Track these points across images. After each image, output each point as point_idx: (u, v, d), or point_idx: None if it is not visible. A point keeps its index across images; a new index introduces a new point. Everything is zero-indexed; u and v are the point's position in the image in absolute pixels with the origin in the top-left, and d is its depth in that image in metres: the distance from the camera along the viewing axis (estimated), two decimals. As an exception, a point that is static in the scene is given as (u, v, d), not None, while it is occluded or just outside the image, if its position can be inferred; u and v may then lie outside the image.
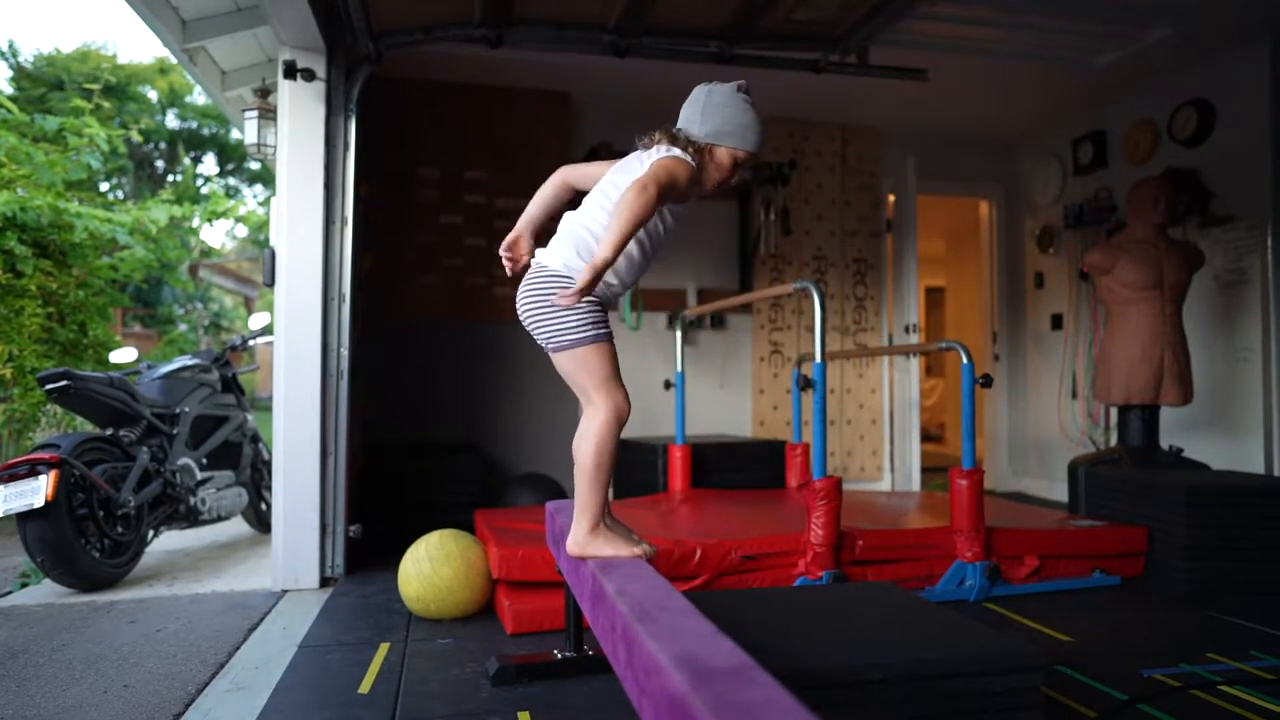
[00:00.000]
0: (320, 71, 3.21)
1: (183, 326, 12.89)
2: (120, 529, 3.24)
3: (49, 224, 4.57)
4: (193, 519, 3.64)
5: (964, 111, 5.06)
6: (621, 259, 1.73)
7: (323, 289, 3.21)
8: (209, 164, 16.43)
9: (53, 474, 2.92)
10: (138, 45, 25.72)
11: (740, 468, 4.08)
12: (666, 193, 1.69)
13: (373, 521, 3.50)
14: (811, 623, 1.83)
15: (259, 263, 15.29)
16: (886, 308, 5.42)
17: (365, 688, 2.13)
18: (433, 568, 2.66)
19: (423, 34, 3.35)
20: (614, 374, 1.77)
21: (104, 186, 12.96)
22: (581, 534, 1.77)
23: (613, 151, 4.53)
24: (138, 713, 2.01)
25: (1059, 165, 5.27)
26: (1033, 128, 5.44)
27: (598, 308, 1.78)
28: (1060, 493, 5.03)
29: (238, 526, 4.39)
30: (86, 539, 3.10)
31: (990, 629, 1.79)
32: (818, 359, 2.82)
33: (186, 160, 15.44)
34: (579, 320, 1.75)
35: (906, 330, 5.31)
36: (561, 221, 1.85)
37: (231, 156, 16.04)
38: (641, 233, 1.76)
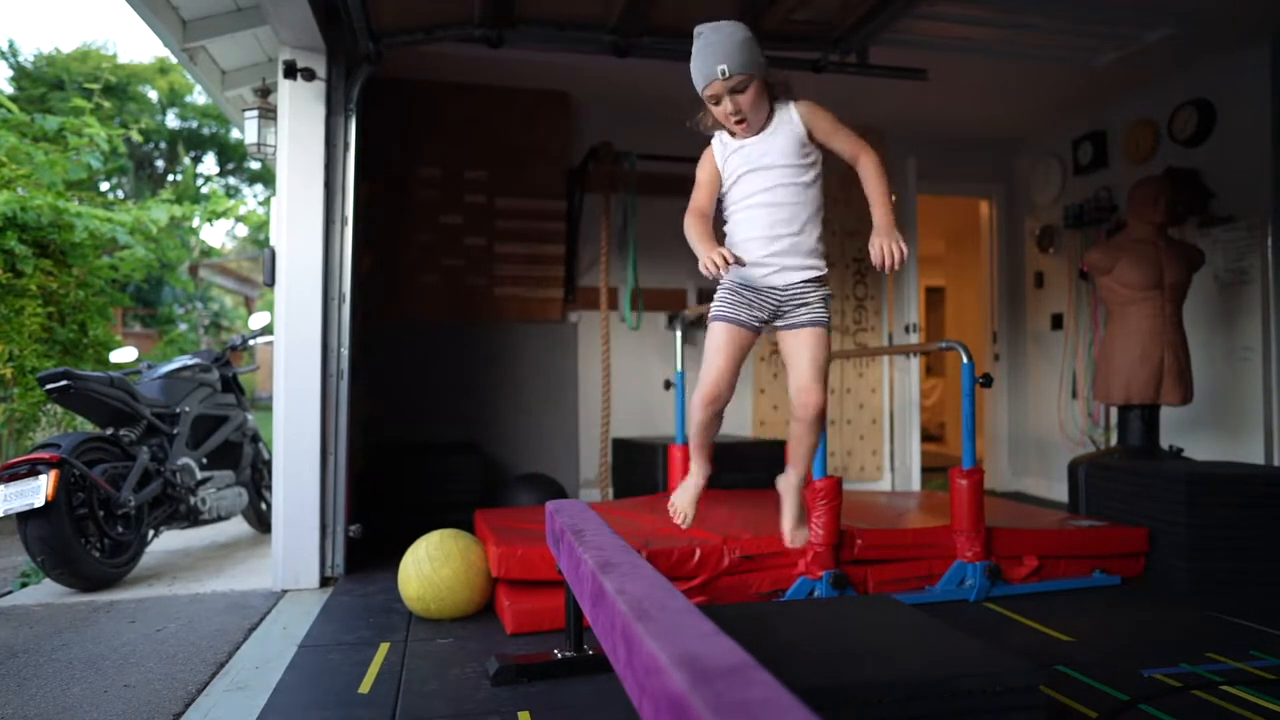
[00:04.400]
0: (320, 71, 3.21)
1: (183, 326, 12.88)
2: (120, 529, 3.24)
3: (49, 224, 4.57)
4: (193, 519, 3.64)
5: (964, 111, 5.06)
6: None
7: (323, 289, 3.21)
8: (209, 164, 16.44)
9: (53, 474, 2.92)
10: (138, 45, 25.75)
11: (740, 468, 4.07)
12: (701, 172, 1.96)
13: (373, 521, 3.50)
14: (810, 639, 1.83)
15: (259, 262, 15.29)
16: (886, 307, 5.42)
17: (365, 688, 2.13)
18: (433, 567, 2.66)
19: (423, 34, 3.35)
20: (710, 353, 1.95)
21: (104, 186, 12.96)
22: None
23: (613, 151, 4.55)
24: (138, 712, 2.01)
25: (1059, 165, 5.27)
26: (1033, 128, 5.44)
27: (724, 290, 1.97)
28: (1060, 493, 5.03)
29: (238, 526, 4.39)
30: (87, 539, 3.10)
31: (987, 646, 1.78)
32: (818, 359, 2.82)
33: (186, 160, 15.44)
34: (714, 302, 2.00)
35: (906, 330, 5.31)
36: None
37: (232, 156, 16.04)
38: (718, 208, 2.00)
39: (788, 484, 2.09)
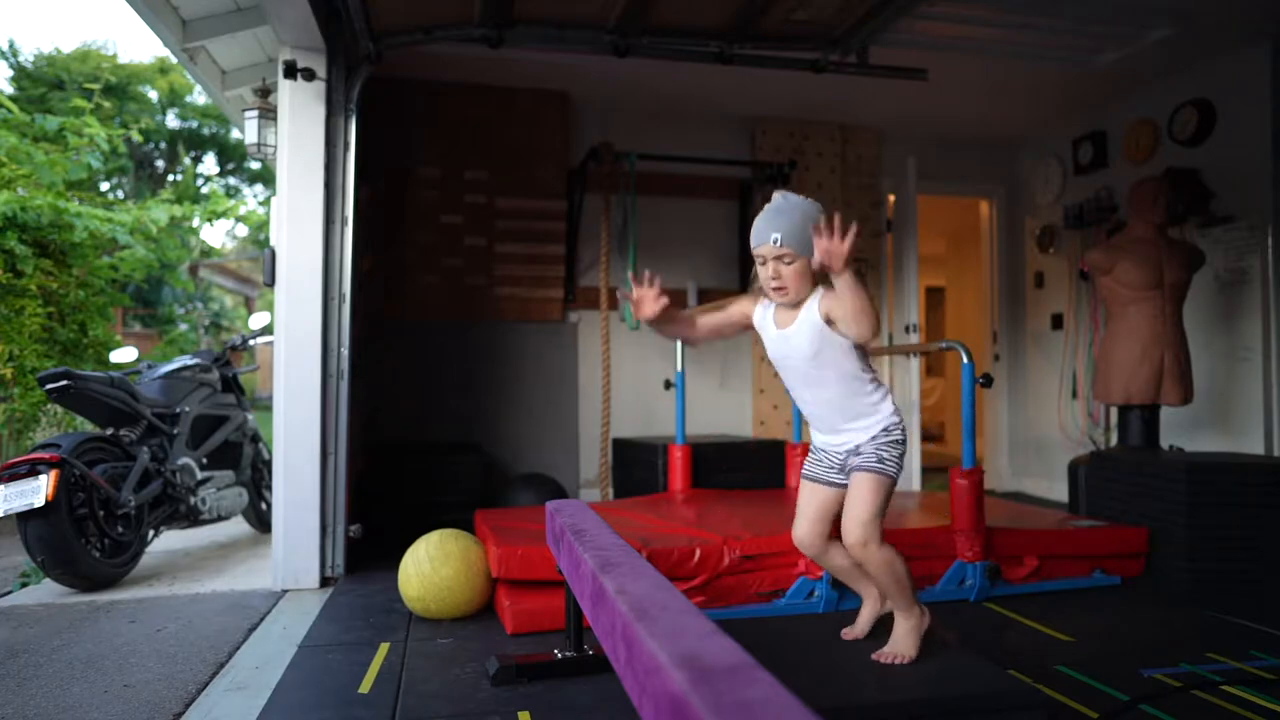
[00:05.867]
0: (320, 71, 3.21)
1: (183, 326, 12.88)
2: (120, 529, 3.24)
3: (49, 224, 4.57)
4: (193, 519, 3.64)
5: (964, 111, 5.06)
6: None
7: (323, 289, 3.21)
8: (209, 164, 16.43)
9: (53, 473, 2.92)
10: (138, 45, 25.75)
11: (740, 468, 4.07)
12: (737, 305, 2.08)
13: (373, 521, 3.50)
14: (811, 657, 1.83)
15: (259, 262, 15.29)
16: (886, 307, 5.42)
17: (365, 688, 2.13)
18: (433, 567, 2.66)
19: (423, 34, 3.35)
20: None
21: (104, 186, 12.97)
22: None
23: (613, 152, 4.55)
24: (138, 712, 2.01)
25: (1059, 165, 5.27)
26: (1033, 128, 5.44)
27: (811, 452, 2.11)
28: (1060, 493, 5.03)
29: (238, 526, 4.39)
30: (87, 539, 3.10)
31: (994, 667, 1.78)
32: (818, 359, 2.82)
33: (187, 160, 15.44)
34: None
35: (907, 330, 5.31)
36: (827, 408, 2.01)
37: (232, 156, 16.04)
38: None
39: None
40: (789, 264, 1.89)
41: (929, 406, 8.61)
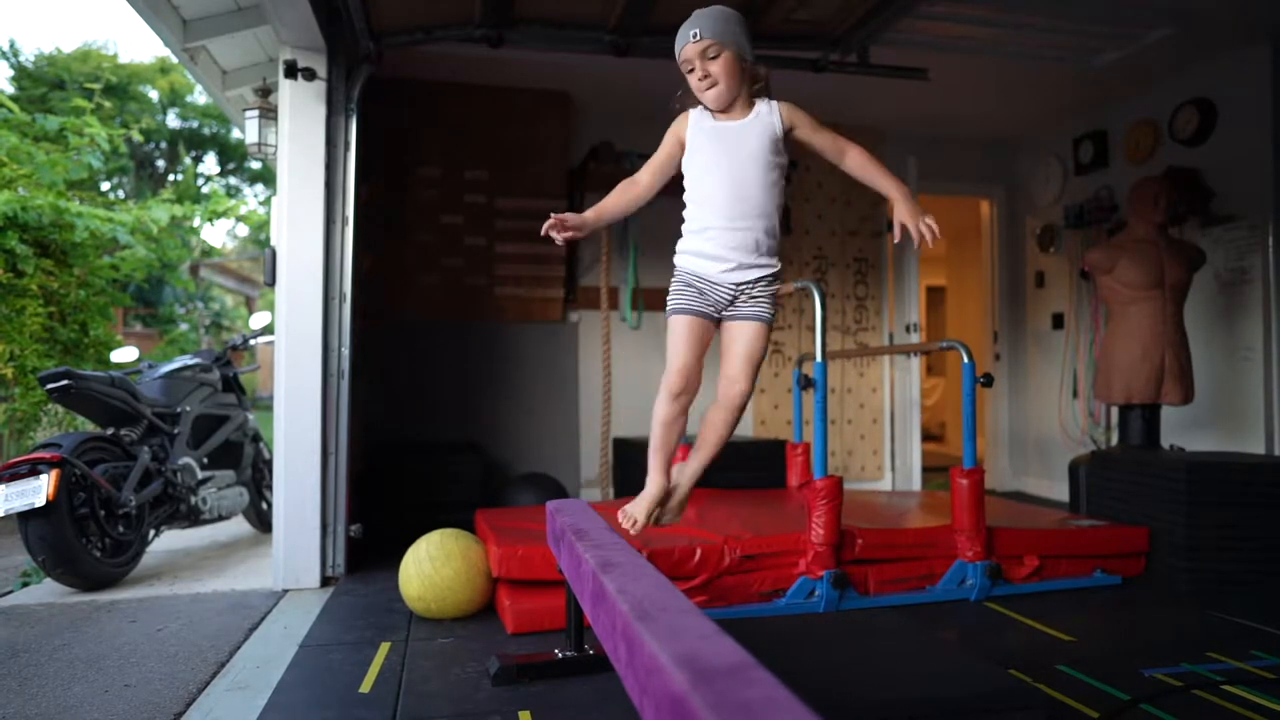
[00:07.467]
0: (321, 71, 3.21)
1: (184, 326, 12.88)
2: (121, 528, 3.25)
3: (50, 223, 4.58)
4: (194, 518, 3.65)
5: (964, 111, 5.05)
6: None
7: (323, 289, 3.21)
8: (210, 163, 16.43)
9: (54, 473, 2.92)
10: (138, 45, 25.74)
11: (740, 467, 4.07)
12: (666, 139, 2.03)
13: (373, 521, 3.50)
14: (812, 657, 1.83)
15: (260, 262, 15.28)
16: (887, 307, 5.42)
17: (366, 687, 2.13)
18: (433, 567, 2.66)
19: (423, 34, 3.35)
20: (674, 346, 1.90)
21: (105, 186, 12.96)
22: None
23: (613, 152, 4.55)
24: (139, 712, 2.01)
25: (1059, 164, 5.27)
26: (1033, 127, 5.44)
27: (679, 284, 1.97)
28: (1060, 493, 5.03)
29: (238, 526, 4.39)
30: (87, 538, 3.10)
31: (994, 667, 1.77)
32: (818, 358, 2.82)
33: (187, 160, 15.44)
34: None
35: (907, 329, 5.31)
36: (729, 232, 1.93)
37: (232, 156, 16.04)
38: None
39: (688, 473, 2.03)
40: (714, 57, 1.86)
41: (929, 406, 8.61)
